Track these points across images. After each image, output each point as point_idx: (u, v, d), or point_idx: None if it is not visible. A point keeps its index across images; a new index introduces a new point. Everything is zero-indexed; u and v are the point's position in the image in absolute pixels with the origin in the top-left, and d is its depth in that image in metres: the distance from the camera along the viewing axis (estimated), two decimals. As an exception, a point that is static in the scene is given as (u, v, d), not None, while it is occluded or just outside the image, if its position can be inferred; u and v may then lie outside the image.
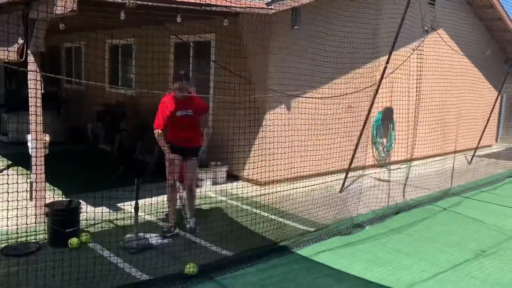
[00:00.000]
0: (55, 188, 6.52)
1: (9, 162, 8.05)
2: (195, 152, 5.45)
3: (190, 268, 4.27)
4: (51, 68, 12.85)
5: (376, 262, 4.85)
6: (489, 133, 12.99)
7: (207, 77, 8.04)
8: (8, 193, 4.33)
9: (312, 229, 5.67)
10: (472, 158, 11.24)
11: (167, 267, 4.36)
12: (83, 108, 11.19)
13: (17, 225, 4.64)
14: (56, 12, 4.49)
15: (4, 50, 5.23)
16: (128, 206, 5.94)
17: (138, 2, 4.32)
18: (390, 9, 7.51)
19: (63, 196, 6.22)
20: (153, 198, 6.23)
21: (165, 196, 5.63)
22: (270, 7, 6.36)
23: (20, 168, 7.53)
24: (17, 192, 4.46)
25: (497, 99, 11.44)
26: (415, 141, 8.25)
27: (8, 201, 4.34)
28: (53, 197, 5.95)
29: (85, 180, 7.28)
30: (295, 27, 7.05)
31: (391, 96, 8.61)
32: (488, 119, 11.16)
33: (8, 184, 4.39)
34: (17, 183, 4.47)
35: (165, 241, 5.04)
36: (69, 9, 4.26)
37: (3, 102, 13.61)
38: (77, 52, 11.96)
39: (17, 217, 4.54)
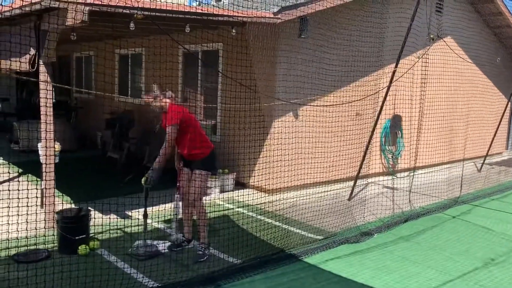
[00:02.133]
0: (64, 195, 6.60)
1: (20, 170, 8.16)
2: (197, 164, 4.89)
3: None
4: (62, 77, 13.06)
5: (383, 270, 4.84)
6: (499, 141, 12.89)
7: (215, 86, 8.12)
8: (19, 200, 4.41)
9: (320, 237, 5.67)
10: (482, 166, 11.16)
11: (176, 274, 4.39)
12: (93, 117, 11.33)
13: (27, 231, 4.72)
14: (67, 23, 4.59)
15: (16, 61, 5.33)
16: (136, 213, 6.02)
17: (145, 13, 4.40)
18: (395, 17, 7.55)
19: (73, 203, 6.30)
20: (162, 205, 6.30)
21: (173, 203, 5.67)
22: (277, 16, 6.42)
23: (30, 175, 7.63)
24: (28, 199, 4.54)
25: (507, 106, 11.37)
26: (418, 148, 8.23)
27: (19, 208, 4.41)
28: (62, 203, 6.03)
29: (94, 187, 7.36)
30: (302, 36, 7.11)
31: (394, 104, 8.63)
32: (498, 127, 11.08)
33: (19, 191, 4.47)
34: (27, 190, 4.55)
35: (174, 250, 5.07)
36: (80, 20, 4.35)
37: (15, 111, 13.87)
38: (87, 62, 12.14)
39: (28, 223, 4.61)
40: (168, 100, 4.85)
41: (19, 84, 14.58)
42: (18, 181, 7.37)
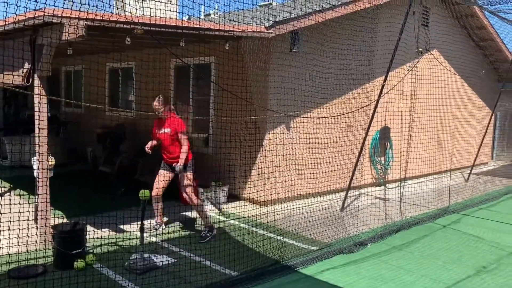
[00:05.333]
0: (57, 210, 6.54)
1: (11, 185, 8.07)
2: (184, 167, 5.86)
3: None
4: (50, 91, 12.95)
5: (379, 280, 4.90)
6: (485, 151, 13.16)
7: (207, 99, 8.18)
8: (13, 215, 4.38)
9: (315, 248, 5.71)
10: (469, 176, 11.36)
11: (173, 286, 4.39)
12: (83, 131, 11.26)
13: (22, 247, 4.68)
14: (64, 38, 4.61)
15: (10, 75, 5.33)
16: (131, 227, 6.01)
17: (145, 28, 4.46)
18: (384, 31, 7.74)
19: (65, 218, 6.24)
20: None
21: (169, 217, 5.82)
22: (269, 31, 6.54)
23: (22, 191, 7.56)
24: (22, 214, 4.51)
25: (491, 117, 11.64)
26: (408, 159, 8.38)
27: (13, 223, 4.38)
28: (55, 217, 5.98)
29: (87, 201, 7.31)
30: (294, 50, 7.23)
31: (385, 116, 8.79)
32: (483, 137, 11.33)
33: (13, 207, 4.44)
34: (20, 205, 4.52)
35: (171, 261, 5.06)
36: (78, 35, 4.39)
37: (2, 126, 13.69)
38: (77, 76, 12.10)
39: (22, 238, 4.59)
40: (170, 111, 5.89)
41: (6, 98, 14.43)
42: (10, 196, 7.29)
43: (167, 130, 5.86)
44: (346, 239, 6.14)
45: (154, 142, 6.00)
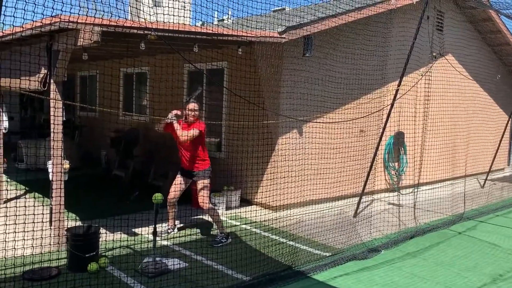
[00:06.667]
0: (71, 213, 6.61)
1: (26, 188, 8.19)
2: (197, 175, 5.88)
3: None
4: (66, 96, 13.14)
5: (393, 286, 4.84)
6: (501, 157, 12.95)
7: (219, 104, 8.21)
8: (28, 218, 4.44)
9: (327, 254, 5.67)
10: (485, 182, 11.18)
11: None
12: (97, 135, 11.39)
13: (37, 249, 4.73)
14: (79, 44, 4.68)
15: (27, 80, 5.42)
16: (144, 230, 6.04)
17: (158, 34, 4.51)
18: (398, 36, 7.70)
19: (79, 221, 6.31)
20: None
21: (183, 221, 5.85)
22: (282, 36, 6.55)
23: (37, 194, 7.66)
24: (37, 217, 4.57)
25: (508, 122, 11.46)
26: (422, 165, 8.28)
27: (28, 225, 4.44)
28: (68, 219, 6.04)
29: (101, 205, 7.38)
30: (306, 55, 7.22)
31: (399, 121, 8.72)
32: (500, 143, 11.15)
33: (28, 209, 4.49)
34: (36, 207, 4.58)
35: (183, 264, 5.08)
36: (93, 41, 4.45)
37: (19, 129, 13.94)
38: (91, 80, 12.26)
39: (37, 241, 4.64)
40: (197, 117, 5.88)
41: (23, 103, 14.69)
42: (25, 198, 7.40)
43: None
44: (359, 245, 6.09)
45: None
